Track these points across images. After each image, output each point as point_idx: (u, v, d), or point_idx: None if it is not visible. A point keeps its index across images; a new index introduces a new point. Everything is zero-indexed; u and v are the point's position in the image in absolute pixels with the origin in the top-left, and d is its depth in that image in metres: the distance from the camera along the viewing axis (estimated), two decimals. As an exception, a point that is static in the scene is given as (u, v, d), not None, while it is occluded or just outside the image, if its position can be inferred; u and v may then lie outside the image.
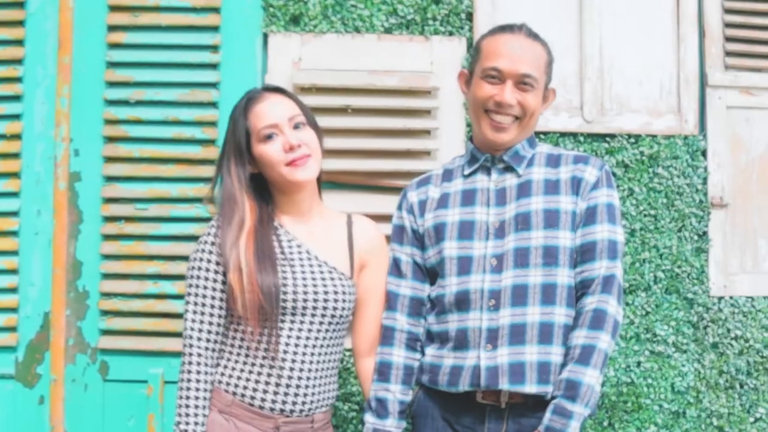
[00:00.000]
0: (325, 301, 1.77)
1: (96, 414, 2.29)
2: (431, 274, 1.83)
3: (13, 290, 2.29)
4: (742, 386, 2.27)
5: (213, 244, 1.77)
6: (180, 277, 2.28)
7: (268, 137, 1.75)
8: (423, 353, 1.86)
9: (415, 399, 1.85)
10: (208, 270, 1.77)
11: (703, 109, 2.32)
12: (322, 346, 1.80)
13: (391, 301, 1.83)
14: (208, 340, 1.77)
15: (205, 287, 1.77)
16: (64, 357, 2.28)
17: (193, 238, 2.30)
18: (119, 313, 2.28)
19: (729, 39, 2.31)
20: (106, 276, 2.29)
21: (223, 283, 1.78)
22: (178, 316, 2.19)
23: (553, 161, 1.82)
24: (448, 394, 1.76)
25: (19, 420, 2.27)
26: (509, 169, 1.80)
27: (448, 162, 1.92)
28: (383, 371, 1.80)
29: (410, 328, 1.82)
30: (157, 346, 2.25)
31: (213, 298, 1.78)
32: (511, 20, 2.06)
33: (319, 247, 1.82)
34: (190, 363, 1.75)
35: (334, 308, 1.79)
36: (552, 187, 1.78)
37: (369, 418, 1.80)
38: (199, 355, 1.75)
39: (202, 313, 1.77)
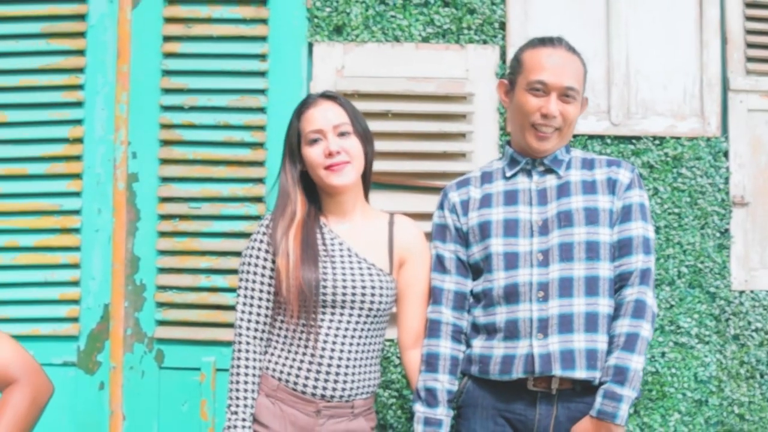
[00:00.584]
0: (363, 295, 1.83)
1: (152, 399, 2.37)
2: (474, 269, 1.88)
3: (75, 283, 2.37)
4: (762, 376, 2.31)
5: (264, 234, 1.84)
6: (230, 272, 2.36)
7: (313, 141, 1.82)
8: (468, 345, 1.90)
9: (464, 390, 1.88)
10: (258, 259, 1.83)
11: (725, 112, 2.36)
12: (361, 337, 1.85)
13: (436, 296, 1.87)
14: (256, 330, 1.83)
15: (254, 279, 1.84)
16: (123, 346, 2.37)
17: (243, 234, 2.36)
18: (174, 305, 2.35)
19: (750, 45, 2.34)
20: (162, 270, 2.36)
21: (272, 273, 1.84)
22: (230, 308, 2.28)
23: (588, 164, 1.87)
24: (499, 383, 1.80)
25: (80, 404, 2.35)
26: (549, 171, 1.85)
27: (485, 165, 1.95)
28: (431, 362, 1.84)
29: (455, 321, 1.86)
30: (209, 336, 2.32)
31: (261, 290, 1.84)
32: (543, 30, 2.18)
33: (359, 245, 1.87)
34: (239, 350, 1.82)
35: (372, 302, 1.84)
36: (589, 188, 1.83)
37: (419, 407, 1.84)
38: (248, 343, 1.82)
39: (251, 305, 1.84)
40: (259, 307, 1.85)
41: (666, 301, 2.34)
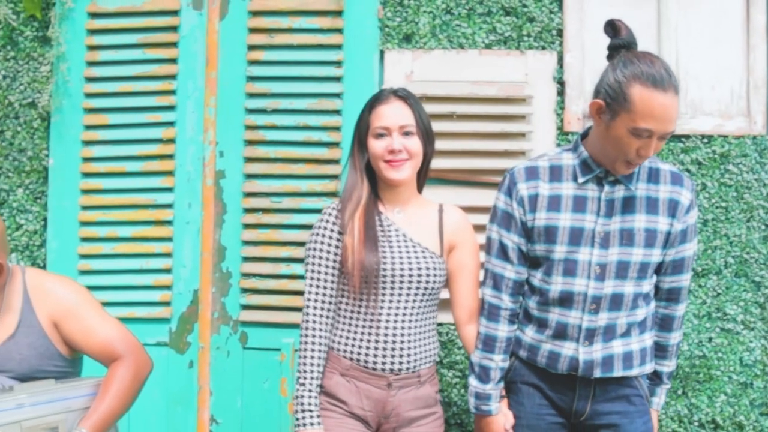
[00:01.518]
0: (419, 276, 1.90)
1: (236, 377, 2.45)
2: (532, 260, 1.89)
3: (168, 271, 2.47)
4: None
5: (331, 215, 1.91)
6: None
7: (379, 135, 1.89)
8: (520, 329, 1.94)
9: (512, 367, 1.94)
10: (325, 237, 1.90)
11: None
12: (418, 313, 1.92)
13: (497, 282, 1.90)
14: (322, 308, 1.90)
15: (321, 257, 1.90)
16: (210, 328, 2.46)
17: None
18: (257, 291, 2.43)
19: None
20: (246, 259, 2.44)
21: (337, 251, 1.90)
22: None
23: (654, 177, 1.84)
24: (546, 370, 1.88)
25: (172, 381, 2.45)
26: (618, 182, 1.82)
27: (552, 155, 1.90)
28: (488, 343, 1.90)
29: (513, 306, 1.91)
30: (288, 320, 2.39)
31: (328, 266, 1.91)
32: (597, 36, 2.05)
33: (413, 231, 1.93)
34: (306, 328, 1.90)
35: (426, 281, 1.91)
36: (653, 206, 1.82)
37: (473, 381, 1.90)
38: (314, 321, 1.89)
39: (318, 284, 1.90)
40: (326, 282, 1.91)
41: (713, 289, 2.36)
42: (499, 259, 1.90)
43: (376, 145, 1.89)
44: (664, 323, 1.88)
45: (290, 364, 2.37)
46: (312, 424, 1.82)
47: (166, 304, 2.47)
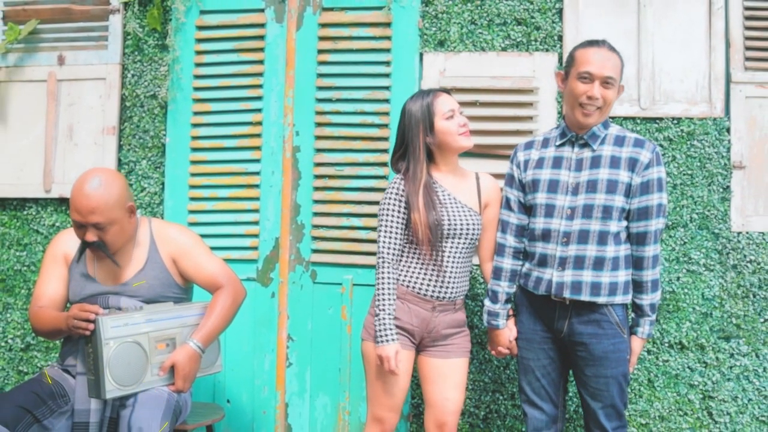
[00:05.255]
0: (467, 229, 2.09)
1: (307, 305, 2.67)
2: (528, 209, 2.06)
3: (256, 223, 2.70)
4: (754, 296, 2.54)
5: (398, 189, 2.08)
6: (364, 215, 2.62)
7: (450, 117, 2.08)
8: (523, 264, 2.08)
9: (515, 294, 2.12)
10: (395, 203, 2.07)
11: (728, 99, 2.55)
12: (462, 256, 2.10)
13: (504, 227, 2.09)
14: (391, 253, 2.08)
15: (391, 219, 2.08)
16: (288, 267, 2.66)
17: (373, 189, 2.61)
18: (324, 239, 2.65)
19: (747, 48, 2.56)
20: (316, 214, 2.66)
21: (404, 213, 2.06)
22: (364, 241, 2.63)
23: (619, 141, 1.96)
24: (534, 293, 2.04)
25: (258, 307, 2.69)
26: (587, 144, 1.98)
27: (547, 132, 2.12)
28: (497, 273, 2.10)
29: (515, 245, 2.08)
30: (348, 261, 2.62)
31: (397, 225, 2.07)
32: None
33: (459, 194, 2.12)
34: (382, 268, 2.06)
35: (472, 233, 2.10)
36: (615, 163, 1.93)
37: (486, 302, 2.12)
38: (388, 263, 2.06)
39: (389, 237, 2.08)
40: (396, 237, 2.07)
41: (680, 239, 2.55)
42: (505, 209, 2.10)
43: (450, 125, 2.06)
44: (637, 263, 1.99)
45: (349, 295, 2.60)
46: (393, 339, 2.00)
47: (255, 248, 2.68)
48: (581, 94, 1.90)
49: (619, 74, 1.92)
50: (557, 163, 1.99)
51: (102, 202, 2.00)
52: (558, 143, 2.00)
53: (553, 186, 1.97)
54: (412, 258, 2.08)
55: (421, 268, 2.07)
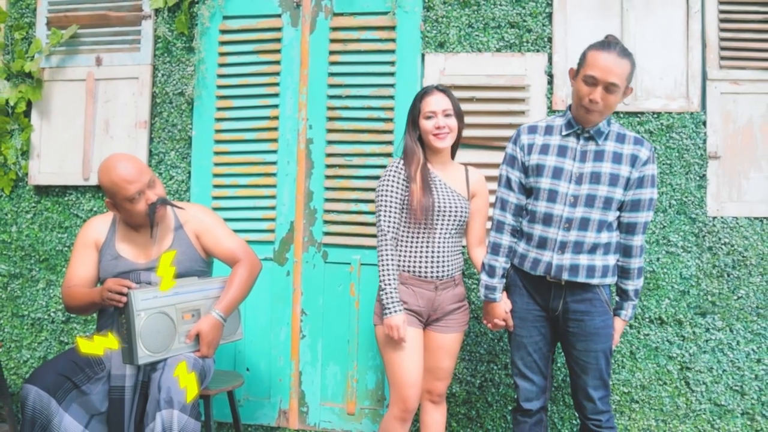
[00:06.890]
0: (458, 211, 2.17)
1: (319, 282, 2.78)
2: (527, 190, 2.06)
3: (272, 208, 2.80)
4: (728, 275, 2.62)
5: (396, 167, 2.14)
6: (371, 201, 2.69)
7: (429, 117, 2.14)
8: (517, 244, 2.06)
9: (509, 273, 2.11)
10: (394, 183, 2.10)
11: (704, 94, 2.63)
12: (453, 236, 2.18)
13: (503, 205, 2.07)
14: (391, 229, 2.10)
15: (390, 196, 2.09)
16: (302, 248, 2.78)
17: (378, 177, 2.54)
18: (334, 222, 2.75)
19: (723, 48, 2.65)
20: (327, 200, 2.75)
21: (404, 193, 2.09)
22: (370, 224, 2.72)
23: (620, 139, 1.98)
24: (529, 273, 2.05)
25: (275, 285, 2.80)
26: (591, 138, 1.98)
27: (549, 119, 2.07)
28: (495, 248, 2.09)
29: (513, 223, 2.08)
30: (356, 243, 2.72)
31: (396, 203, 2.09)
32: (577, 41, 2.51)
33: (450, 182, 2.20)
34: (383, 246, 2.10)
35: (461, 216, 2.17)
36: (617, 158, 1.95)
37: (483, 277, 2.11)
38: (388, 241, 2.10)
39: (388, 214, 2.09)
40: (394, 213, 2.09)
41: (660, 223, 2.63)
42: (505, 188, 2.09)
43: (427, 124, 2.14)
44: (625, 251, 2.02)
45: (357, 274, 2.70)
46: (399, 310, 2.06)
47: (271, 231, 2.80)
48: (584, 96, 1.90)
49: (625, 80, 1.89)
50: (562, 151, 1.99)
51: (139, 163, 2.11)
52: (564, 133, 1.99)
53: (557, 173, 1.97)
54: (409, 241, 2.12)
55: (418, 250, 2.12)
